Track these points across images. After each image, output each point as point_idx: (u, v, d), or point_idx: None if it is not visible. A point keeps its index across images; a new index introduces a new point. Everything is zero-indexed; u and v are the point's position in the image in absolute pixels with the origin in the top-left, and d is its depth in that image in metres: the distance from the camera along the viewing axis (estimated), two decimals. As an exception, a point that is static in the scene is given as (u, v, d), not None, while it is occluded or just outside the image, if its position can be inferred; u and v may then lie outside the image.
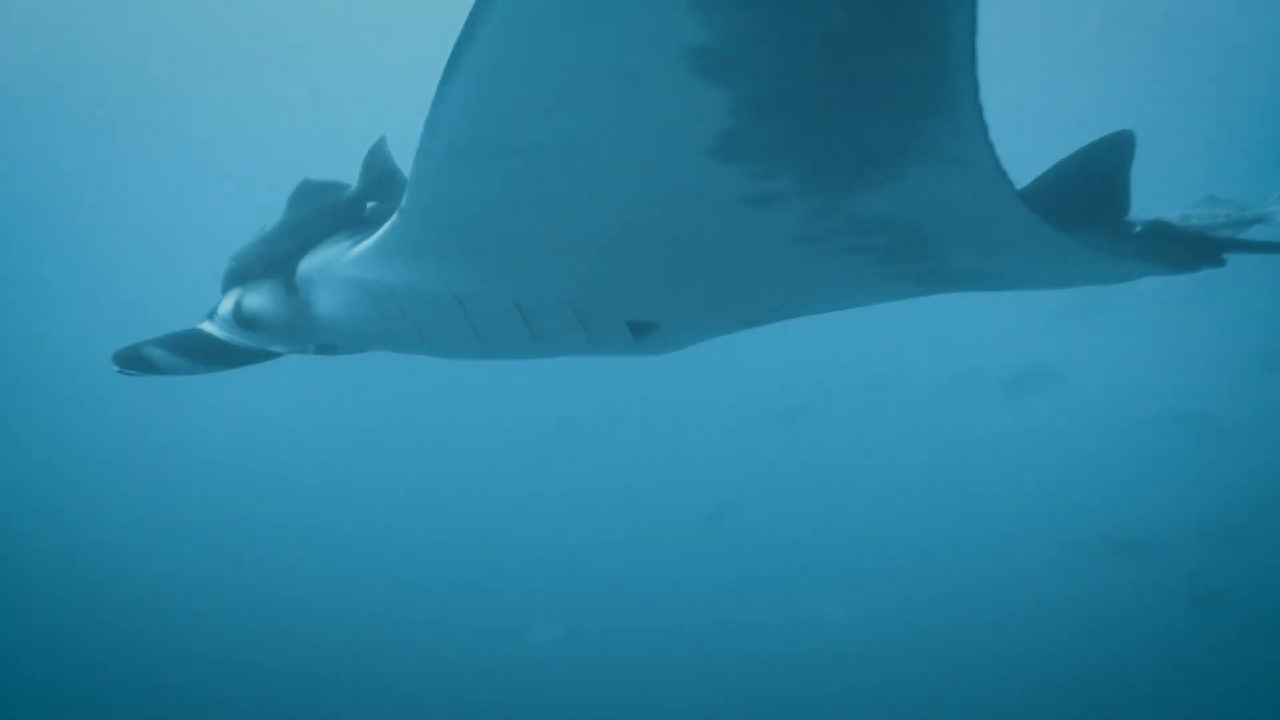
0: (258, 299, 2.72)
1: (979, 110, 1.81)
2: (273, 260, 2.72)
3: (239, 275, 2.76)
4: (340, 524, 20.72)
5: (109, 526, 19.87)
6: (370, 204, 2.74)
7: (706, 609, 16.50)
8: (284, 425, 24.47)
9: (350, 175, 2.82)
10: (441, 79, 1.82)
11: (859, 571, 17.83)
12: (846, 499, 21.72)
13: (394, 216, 2.35)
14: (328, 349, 2.96)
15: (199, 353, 2.76)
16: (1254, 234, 2.65)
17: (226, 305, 2.77)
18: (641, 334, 2.84)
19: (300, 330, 2.77)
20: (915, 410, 23.05)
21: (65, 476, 21.63)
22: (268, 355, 2.81)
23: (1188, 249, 2.62)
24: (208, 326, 2.80)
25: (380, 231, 2.43)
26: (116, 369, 2.71)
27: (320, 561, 18.81)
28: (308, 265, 2.68)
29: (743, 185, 2.09)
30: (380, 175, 2.73)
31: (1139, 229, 2.58)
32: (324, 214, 2.72)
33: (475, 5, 1.65)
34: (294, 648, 15.50)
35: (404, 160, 2.39)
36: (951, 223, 2.29)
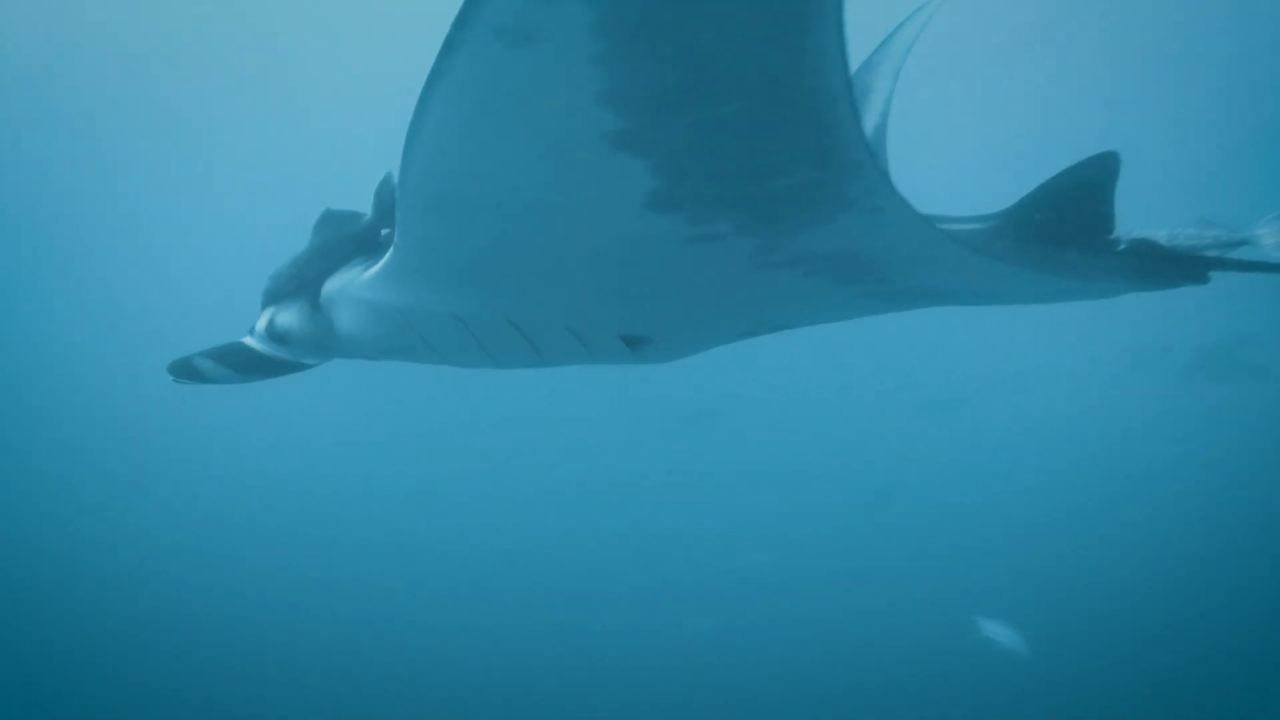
0: (288, 316, 3.03)
1: (882, 173, 1.98)
2: (300, 281, 3.02)
3: (273, 295, 3.08)
4: (478, 521, 20.50)
5: (130, 531, 19.84)
6: (384, 231, 3.02)
7: (857, 606, 15.79)
8: (426, 422, 24.28)
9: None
10: (404, 149, 2.05)
11: (1021, 575, 16.39)
12: (1002, 496, 20.22)
13: (390, 248, 2.62)
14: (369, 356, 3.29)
15: (241, 364, 3.08)
16: (1239, 255, 2.50)
17: (262, 321, 3.09)
18: (637, 347, 2.98)
19: (328, 344, 3.09)
20: (1080, 398, 21.38)
21: (64, 479, 21.84)
22: (301, 366, 3.14)
23: (1173, 266, 2.59)
24: (248, 340, 3.13)
25: (383, 259, 2.70)
26: (171, 378, 3.04)
27: (466, 559, 18.58)
28: (330, 286, 2.97)
29: (683, 229, 2.26)
30: (389, 206, 2.99)
31: (1123, 246, 2.56)
32: (344, 240, 3.01)
33: (420, 100, 1.87)
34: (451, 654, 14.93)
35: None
36: (895, 254, 2.34)
